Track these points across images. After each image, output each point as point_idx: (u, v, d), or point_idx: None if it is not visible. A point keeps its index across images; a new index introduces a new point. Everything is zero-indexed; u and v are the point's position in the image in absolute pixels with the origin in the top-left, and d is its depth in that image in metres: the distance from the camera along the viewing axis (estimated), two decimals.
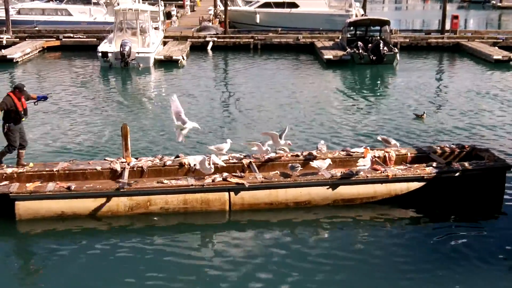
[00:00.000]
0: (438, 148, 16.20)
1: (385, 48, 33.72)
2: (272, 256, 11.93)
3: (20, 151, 14.81)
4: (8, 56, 34.03)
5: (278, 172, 14.42)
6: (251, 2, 48.19)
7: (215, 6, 49.44)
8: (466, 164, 14.71)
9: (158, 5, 41.16)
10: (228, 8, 43.24)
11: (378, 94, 27.93)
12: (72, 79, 30.39)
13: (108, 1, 43.72)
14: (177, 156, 15.49)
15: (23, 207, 13.24)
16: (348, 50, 34.55)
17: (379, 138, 16.56)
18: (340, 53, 34.97)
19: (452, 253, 12.07)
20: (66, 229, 13.05)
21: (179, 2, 56.46)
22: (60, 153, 17.87)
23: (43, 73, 32.40)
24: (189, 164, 14.47)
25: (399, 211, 14.08)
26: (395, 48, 34.85)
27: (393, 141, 15.98)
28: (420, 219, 13.82)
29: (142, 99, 26.55)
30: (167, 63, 33.87)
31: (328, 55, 34.77)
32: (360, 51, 33.84)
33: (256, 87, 28.41)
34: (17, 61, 34.06)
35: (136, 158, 15.33)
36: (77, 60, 36.09)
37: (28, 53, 35.90)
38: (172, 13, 47.00)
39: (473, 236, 12.86)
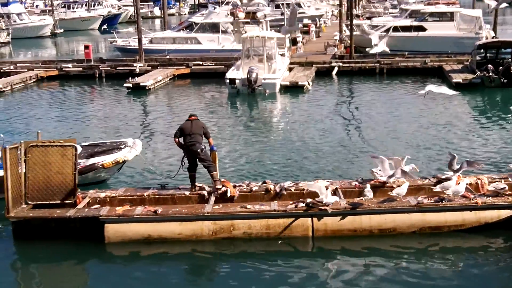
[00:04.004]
0: None
1: None
2: (356, 286, 11.74)
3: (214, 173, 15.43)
4: (141, 84, 35.37)
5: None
6: (377, 26, 47.91)
7: (340, 31, 49.39)
8: None
9: None
10: (354, 33, 43.18)
11: (507, 119, 26.88)
12: (201, 105, 31.25)
13: (236, 29, 44.71)
14: (264, 182, 15.61)
15: (111, 230, 13.73)
16: (478, 73, 33.44)
17: None
18: (469, 76, 33.89)
19: None
20: (152, 252, 13.42)
21: (304, 28, 56.83)
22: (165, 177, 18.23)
23: (173, 100, 33.63)
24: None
25: (490, 240, 13.49)
26: None
27: None
28: None
29: (265, 125, 26.99)
30: (293, 89, 34.06)
31: (457, 78, 33.82)
32: (491, 74, 32.61)
33: (382, 112, 28.14)
34: (149, 88, 35.37)
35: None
36: (205, 87, 36.96)
37: (160, 81, 37.17)
38: (298, 39, 47.29)
39: None
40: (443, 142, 21.93)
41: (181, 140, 15.34)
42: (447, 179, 14.87)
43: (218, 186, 14.93)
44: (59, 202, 14.42)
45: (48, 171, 14.33)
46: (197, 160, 15.28)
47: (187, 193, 15.08)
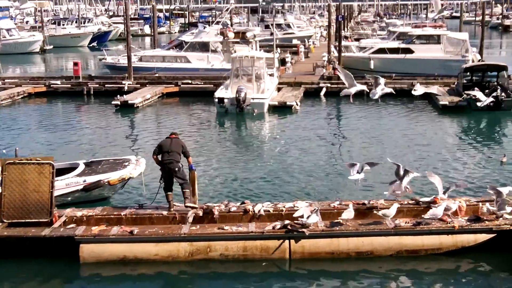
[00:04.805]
0: None
1: (503, 94, 32.57)
2: None
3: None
4: (129, 101, 35.22)
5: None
6: (365, 48, 48.17)
7: (329, 52, 49.39)
8: None
9: (273, 52, 41.73)
10: (342, 54, 43.29)
11: (492, 142, 26.96)
12: (189, 124, 31.20)
13: (226, 48, 44.81)
14: (243, 203, 15.57)
15: (87, 250, 13.66)
16: (464, 95, 33.66)
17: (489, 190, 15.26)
18: (456, 99, 34.11)
19: None
20: (127, 273, 13.36)
21: (293, 48, 57.08)
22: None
23: (162, 118, 33.61)
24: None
25: (467, 264, 13.54)
26: None
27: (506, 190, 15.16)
28: (490, 274, 13.20)
29: (252, 145, 26.97)
30: (281, 109, 34.10)
31: (444, 100, 33.99)
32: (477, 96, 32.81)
33: (368, 133, 28.17)
34: (138, 106, 35.24)
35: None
36: (194, 105, 36.87)
37: (148, 99, 37.03)
38: (287, 59, 47.49)
39: None
40: (427, 164, 21.91)
41: (160, 157, 15.30)
42: (428, 202, 14.85)
43: (188, 205, 14.93)
44: (35, 220, 14.30)
45: (24, 189, 14.26)
46: (174, 178, 15.19)
47: (165, 213, 15.01)
